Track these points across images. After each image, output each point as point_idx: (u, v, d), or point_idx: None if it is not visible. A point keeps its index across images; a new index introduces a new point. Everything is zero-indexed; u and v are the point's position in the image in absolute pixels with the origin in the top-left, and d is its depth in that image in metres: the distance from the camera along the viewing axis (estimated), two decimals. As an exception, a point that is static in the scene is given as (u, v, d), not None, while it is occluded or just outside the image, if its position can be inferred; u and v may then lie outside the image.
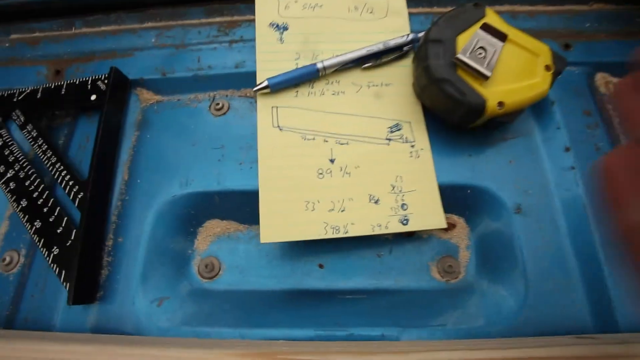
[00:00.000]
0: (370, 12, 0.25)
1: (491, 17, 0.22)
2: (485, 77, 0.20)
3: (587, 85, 0.25)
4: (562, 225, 0.21)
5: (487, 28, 0.21)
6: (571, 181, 0.22)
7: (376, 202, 0.21)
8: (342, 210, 0.21)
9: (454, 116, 0.22)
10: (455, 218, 0.23)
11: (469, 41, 0.21)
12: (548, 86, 0.21)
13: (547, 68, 0.21)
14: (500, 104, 0.20)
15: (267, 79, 0.23)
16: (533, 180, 0.22)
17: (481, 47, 0.21)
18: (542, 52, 0.21)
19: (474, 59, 0.20)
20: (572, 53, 0.25)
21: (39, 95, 0.26)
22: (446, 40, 0.21)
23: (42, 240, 0.22)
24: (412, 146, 0.22)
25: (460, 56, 0.20)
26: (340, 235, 0.20)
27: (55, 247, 0.21)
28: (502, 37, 0.21)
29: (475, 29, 0.21)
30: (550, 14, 0.27)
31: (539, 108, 0.24)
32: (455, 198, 0.22)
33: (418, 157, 0.22)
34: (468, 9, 0.22)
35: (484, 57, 0.20)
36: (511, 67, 0.21)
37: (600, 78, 0.25)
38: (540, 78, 0.21)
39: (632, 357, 0.16)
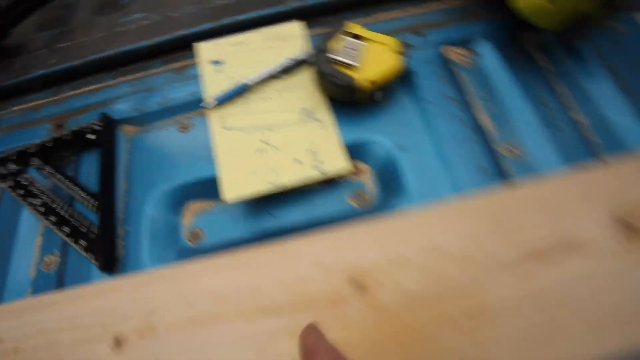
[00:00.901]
0: (280, 40, 0.38)
1: (354, 28, 0.34)
2: (355, 66, 0.32)
3: (438, 57, 0.37)
4: (430, 152, 0.32)
5: (351, 35, 0.33)
6: (433, 123, 0.34)
7: (300, 162, 0.32)
8: (277, 171, 0.31)
9: (345, 96, 0.33)
10: (361, 164, 0.34)
11: (340, 45, 0.33)
12: (400, 64, 0.33)
13: (397, 52, 0.33)
14: (370, 81, 0.32)
15: (214, 98, 0.35)
16: (409, 127, 0.34)
17: (349, 47, 0.33)
18: (391, 42, 0.34)
19: (345, 56, 0.32)
20: (424, 38, 0.38)
21: (50, 144, 0.37)
22: (326, 49, 0.33)
23: (72, 239, 0.32)
24: (320, 122, 0.34)
25: (334, 56, 0.32)
26: (280, 188, 0.31)
27: (82, 241, 0.32)
28: (361, 39, 0.33)
29: (345, 37, 0.33)
30: (411, 14, 0.40)
31: (406, 79, 0.36)
32: (358, 151, 0.33)
33: (326, 129, 0.33)
34: (339, 26, 0.34)
35: (352, 54, 0.32)
36: (373, 56, 0.33)
37: (446, 49, 0.37)
38: (394, 60, 0.33)
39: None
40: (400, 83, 0.36)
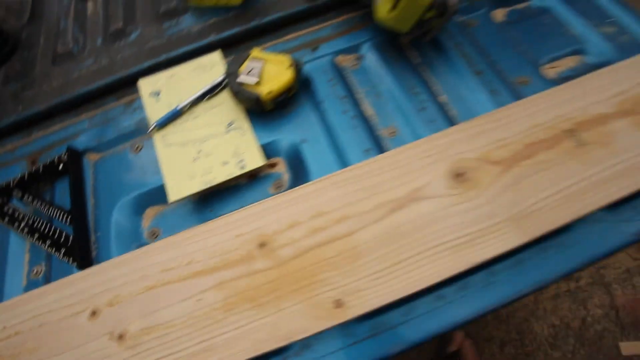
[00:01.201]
0: (203, 68, 0.46)
1: (256, 52, 0.43)
2: (255, 83, 0.41)
3: (331, 65, 0.46)
4: (326, 142, 0.41)
5: (251, 68, 0.42)
6: (328, 118, 0.42)
7: (227, 163, 0.41)
8: (210, 173, 0.40)
9: (255, 107, 0.42)
10: (277, 159, 0.42)
11: (245, 68, 0.42)
12: (294, 76, 0.42)
13: (290, 67, 0.42)
14: (269, 92, 0.41)
15: (155, 122, 0.44)
16: (309, 124, 0.43)
17: (252, 68, 0.42)
18: (286, 60, 0.42)
19: (248, 76, 0.41)
20: (319, 51, 0.47)
21: (26, 178, 0.45)
22: (235, 72, 0.42)
23: (54, 248, 0.40)
24: (241, 130, 0.42)
25: (239, 79, 0.41)
26: (212, 184, 0.39)
27: (62, 249, 0.40)
28: (262, 60, 0.42)
29: (247, 62, 0.42)
30: (305, 34, 0.49)
31: (304, 86, 0.45)
32: (272, 148, 0.42)
33: (245, 135, 0.42)
34: (244, 53, 0.43)
35: (254, 73, 0.41)
36: (271, 73, 0.42)
37: (338, 59, 0.46)
38: (288, 73, 0.42)
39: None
40: (301, 90, 0.45)
